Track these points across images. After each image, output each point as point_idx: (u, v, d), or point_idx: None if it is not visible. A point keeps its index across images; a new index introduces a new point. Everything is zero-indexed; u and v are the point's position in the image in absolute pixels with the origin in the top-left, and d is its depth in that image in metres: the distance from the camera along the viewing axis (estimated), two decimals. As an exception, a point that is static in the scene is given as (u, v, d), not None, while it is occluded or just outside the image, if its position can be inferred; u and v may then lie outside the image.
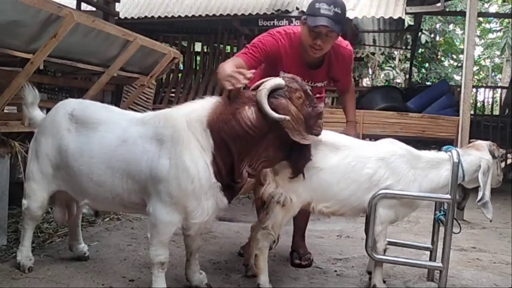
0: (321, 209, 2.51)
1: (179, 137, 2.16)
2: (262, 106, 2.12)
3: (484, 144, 2.61)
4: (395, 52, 14.94)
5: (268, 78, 2.22)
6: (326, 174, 2.44)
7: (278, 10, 6.67)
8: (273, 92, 2.16)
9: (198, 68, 8.66)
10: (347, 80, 3.02)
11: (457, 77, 17.10)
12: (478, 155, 2.54)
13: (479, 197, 2.49)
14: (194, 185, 2.13)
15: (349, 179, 2.45)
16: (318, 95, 3.08)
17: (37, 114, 2.67)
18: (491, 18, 16.71)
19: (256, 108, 2.15)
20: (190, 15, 7.10)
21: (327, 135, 2.47)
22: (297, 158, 2.29)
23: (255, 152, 2.20)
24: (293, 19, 6.55)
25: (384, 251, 2.53)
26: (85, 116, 2.45)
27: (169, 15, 7.24)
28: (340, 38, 2.81)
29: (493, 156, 2.56)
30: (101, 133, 2.35)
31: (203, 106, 2.23)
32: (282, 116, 2.11)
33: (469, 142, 4.59)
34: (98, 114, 2.45)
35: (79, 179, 2.39)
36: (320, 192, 2.46)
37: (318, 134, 2.26)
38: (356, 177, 2.46)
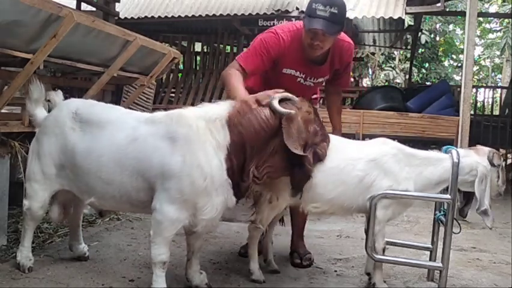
0: (310, 209, 2.58)
1: (194, 135, 2.23)
2: (272, 102, 2.25)
3: (485, 150, 2.58)
4: (395, 52, 14.92)
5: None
6: (314, 175, 2.45)
7: (278, 10, 6.68)
8: (286, 100, 2.31)
9: (198, 68, 8.67)
10: (348, 76, 3.00)
11: (457, 77, 17.11)
12: (475, 159, 2.52)
13: (477, 205, 2.48)
14: (206, 182, 2.19)
15: (337, 181, 2.47)
16: (314, 96, 3.09)
17: (39, 112, 2.65)
18: (491, 18, 16.70)
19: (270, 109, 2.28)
20: (190, 15, 7.10)
21: None
22: (297, 174, 2.33)
23: (263, 154, 2.27)
24: (293, 19, 6.55)
25: (383, 250, 2.53)
26: (90, 115, 2.46)
27: (169, 15, 7.24)
28: (343, 34, 2.78)
29: (492, 164, 2.52)
30: (109, 132, 2.37)
31: (222, 105, 2.36)
32: (286, 110, 2.22)
33: (469, 143, 4.61)
34: (105, 114, 2.47)
35: (86, 178, 2.39)
36: (308, 193, 2.46)
37: (321, 155, 2.30)
38: (345, 179, 2.47)
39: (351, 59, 2.97)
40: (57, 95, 2.76)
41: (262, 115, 2.26)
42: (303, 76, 2.79)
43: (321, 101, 4.48)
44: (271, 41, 2.67)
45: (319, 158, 2.32)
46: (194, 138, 2.22)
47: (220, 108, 2.32)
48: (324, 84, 3.03)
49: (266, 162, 2.27)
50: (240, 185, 2.28)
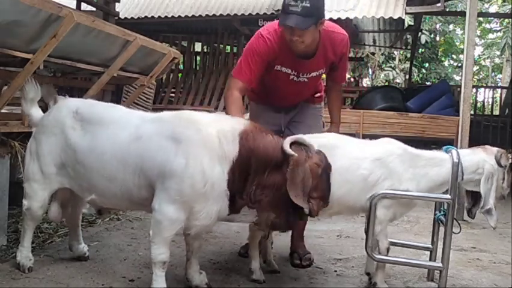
0: None
1: (201, 140, 2.22)
2: (284, 141, 2.24)
3: (494, 149, 2.56)
4: (395, 52, 14.94)
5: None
6: None
7: (278, 10, 6.67)
8: (301, 144, 2.26)
9: (198, 68, 8.68)
10: (343, 70, 2.97)
11: (457, 77, 17.13)
12: (482, 157, 2.51)
13: (481, 204, 2.48)
14: (206, 188, 2.18)
15: (343, 180, 2.45)
16: (318, 94, 3.08)
17: (35, 111, 2.65)
18: (491, 18, 16.71)
19: None
20: (190, 15, 7.11)
21: (322, 135, 2.57)
22: (282, 219, 2.29)
23: (266, 180, 2.23)
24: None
25: (387, 250, 2.52)
26: (92, 114, 2.46)
27: (169, 15, 7.26)
28: (334, 25, 2.77)
29: (499, 164, 2.50)
30: (111, 130, 2.37)
31: (240, 120, 2.38)
32: (290, 151, 2.19)
33: (469, 143, 4.61)
34: (106, 112, 2.48)
35: (88, 175, 2.40)
36: None
37: (309, 211, 2.21)
38: (350, 178, 2.46)
39: (347, 50, 2.91)
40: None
41: (277, 140, 2.26)
42: (295, 73, 2.78)
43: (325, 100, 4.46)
44: (260, 46, 2.67)
45: (309, 213, 2.23)
46: (200, 142, 2.21)
47: (237, 122, 2.33)
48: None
49: (264, 190, 2.23)
50: (237, 201, 2.27)
